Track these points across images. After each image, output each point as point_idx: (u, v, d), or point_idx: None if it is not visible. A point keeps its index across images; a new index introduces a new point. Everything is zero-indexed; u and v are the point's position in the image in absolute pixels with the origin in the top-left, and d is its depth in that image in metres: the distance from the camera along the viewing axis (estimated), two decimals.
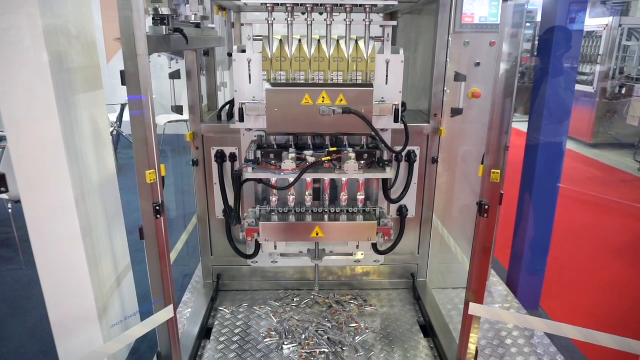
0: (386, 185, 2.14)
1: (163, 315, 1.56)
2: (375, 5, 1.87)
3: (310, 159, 1.86)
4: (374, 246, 2.22)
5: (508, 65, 1.42)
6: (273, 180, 1.94)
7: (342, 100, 1.77)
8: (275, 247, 2.18)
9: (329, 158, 1.84)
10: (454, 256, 2.27)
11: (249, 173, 1.86)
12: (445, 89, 2.25)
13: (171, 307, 1.58)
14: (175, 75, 1.97)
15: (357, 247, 2.19)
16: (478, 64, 2.24)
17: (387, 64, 1.88)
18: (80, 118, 1.82)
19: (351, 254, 2.34)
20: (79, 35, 1.82)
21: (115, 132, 5.49)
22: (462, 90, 2.11)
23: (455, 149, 2.39)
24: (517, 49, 1.42)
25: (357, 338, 2.16)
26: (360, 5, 1.81)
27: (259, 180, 1.98)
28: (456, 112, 2.16)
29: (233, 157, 2.26)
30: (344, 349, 2.09)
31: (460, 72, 2.08)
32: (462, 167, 2.42)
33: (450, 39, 2.19)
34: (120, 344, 1.53)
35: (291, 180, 1.88)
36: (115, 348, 1.52)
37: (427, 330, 2.25)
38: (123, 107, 5.69)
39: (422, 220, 2.46)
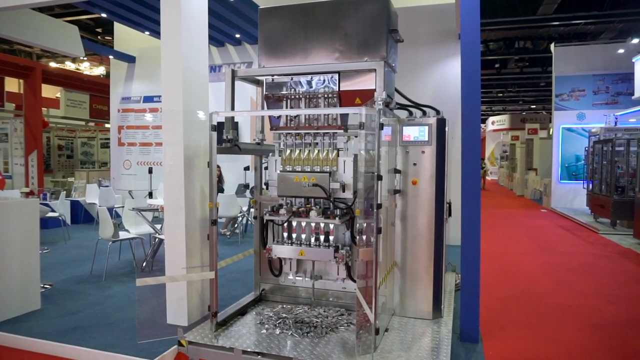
0: (352, 230, 3.55)
1: (210, 274, 3.24)
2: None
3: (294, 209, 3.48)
4: (347, 270, 3.59)
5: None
6: (277, 220, 3.57)
7: (313, 179, 3.39)
8: (290, 268, 3.75)
9: (303, 209, 3.43)
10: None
11: (267, 216, 3.55)
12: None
13: (214, 272, 3.25)
14: (247, 168, 3.88)
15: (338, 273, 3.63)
16: (414, 164, 3.65)
17: (344, 162, 3.47)
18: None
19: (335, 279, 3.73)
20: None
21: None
22: (399, 179, 3.56)
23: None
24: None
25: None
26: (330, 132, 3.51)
27: (271, 220, 3.63)
28: (396, 191, 3.58)
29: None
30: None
31: (397, 168, 3.56)
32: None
33: (397, 149, 3.69)
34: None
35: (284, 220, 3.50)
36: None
37: None
38: None
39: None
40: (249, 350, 3.02)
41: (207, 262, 3.56)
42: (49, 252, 6.81)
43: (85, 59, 16.44)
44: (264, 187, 4.02)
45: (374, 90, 3.25)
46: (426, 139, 3.61)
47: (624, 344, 3.67)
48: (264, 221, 3.74)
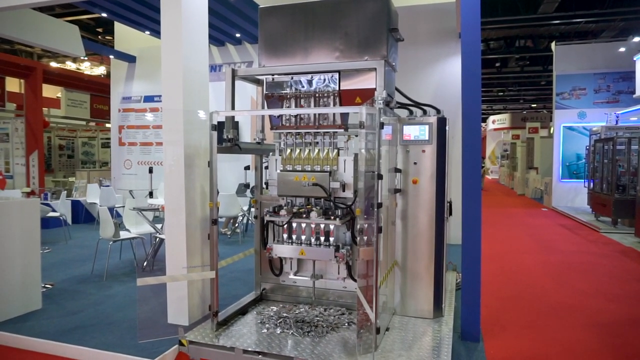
0: (353, 230, 3.55)
1: (210, 273, 3.24)
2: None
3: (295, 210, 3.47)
4: (348, 269, 3.59)
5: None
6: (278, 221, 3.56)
7: (313, 179, 3.39)
8: (291, 268, 3.75)
9: (303, 210, 3.42)
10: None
11: (267, 217, 3.55)
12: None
13: (214, 271, 3.25)
14: (247, 168, 3.87)
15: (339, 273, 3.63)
16: (415, 163, 3.65)
17: (344, 161, 3.47)
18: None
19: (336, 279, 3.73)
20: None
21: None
22: (400, 178, 3.55)
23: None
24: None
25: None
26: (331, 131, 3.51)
27: (272, 221, 3.63)
28: (397, 190, 3.58)
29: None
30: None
31: (398, 167, 3.56)
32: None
33: (397, 149, 3.68)
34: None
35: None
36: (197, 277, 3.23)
37: None
38: None
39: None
40: (249, 349, 3.03)
41: (207, 262, 3.56)
42: (50, 252, 6.81)
43: (85, 58, 16.45)
44: (264, 186, 4.02)
45: (375, 89, 3.25)
46: (427, 138, 3.61)
47: (625, 343, 3.67)
48: (265, 221, 3.74)
